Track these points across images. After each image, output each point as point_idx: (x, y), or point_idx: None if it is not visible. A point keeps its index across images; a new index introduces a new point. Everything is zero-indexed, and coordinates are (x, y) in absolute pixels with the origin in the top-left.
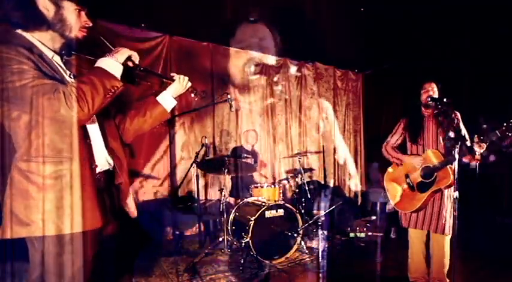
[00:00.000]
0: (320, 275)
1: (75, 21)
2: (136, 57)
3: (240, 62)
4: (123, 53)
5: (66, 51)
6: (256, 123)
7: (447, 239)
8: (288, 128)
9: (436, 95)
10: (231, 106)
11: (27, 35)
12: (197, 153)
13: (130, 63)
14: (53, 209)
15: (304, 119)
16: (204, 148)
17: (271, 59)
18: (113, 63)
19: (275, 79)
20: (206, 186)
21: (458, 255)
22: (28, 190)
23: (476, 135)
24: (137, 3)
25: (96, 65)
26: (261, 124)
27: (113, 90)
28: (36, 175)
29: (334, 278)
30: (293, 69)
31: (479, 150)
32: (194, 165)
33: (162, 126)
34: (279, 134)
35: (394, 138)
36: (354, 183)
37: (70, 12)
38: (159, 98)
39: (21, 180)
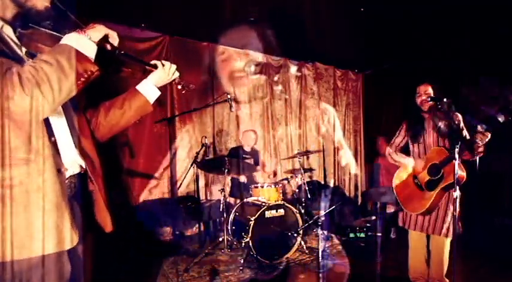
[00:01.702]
0: (320, 275)
1: None
2: (114, 39)
3: (240, 62)
4: (99, 31)
5: (21, 21)
6: (256, 123)
7: (447, 240)
8: (288, 128)
9: (428, 101)
10: (231, 106)
11: None
12: (197, 153)
13: (107, 45)
14: (6, 227)
15: (304, 119)
16: (204, 148)
17: (271, 59)
18: (85, 42)
19: (275, 79)
20: (206, 186)
21: (458, 255)
22: None
23: (479, 125)
24: (137, 3)
25: (62, 41)
26: (261, 124)
27: (85, 75)
28: None
29: (334, 278)
30: (293, 69)
31: (482, 141)
32: (194, 165)
33: (162, 126)
34: (279, 134)
35: (398, 141)
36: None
37: None
38: (139, 87)
39: None
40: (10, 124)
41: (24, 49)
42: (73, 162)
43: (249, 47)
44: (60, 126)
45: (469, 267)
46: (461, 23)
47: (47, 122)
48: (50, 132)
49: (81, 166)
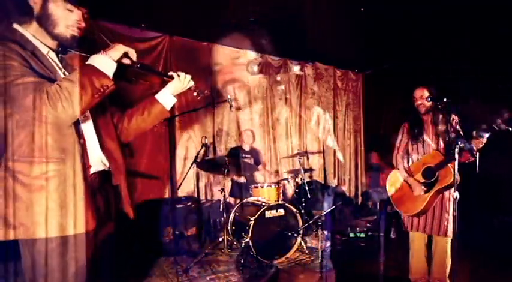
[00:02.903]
0: (320, 275)
1: (63, 18)
2: (133, 54)
3: (240, 62)
4: (118, 50)
5: (62, 48)
6: (256, 123)
7: (449, 240)
8: (288, 128)
9: (426, 101)
10: (231, 106)
11: (20, 29)
12: (197, 153)
13: (126, 60)
14: (42, 211)
15: (304, 119)
16: (204, 148)
17: (271, 59)
18: (105, 61)
19: (275, 79)
20: (206, 186)
21: (459, 254)
22: (16, 191)
23: (474, 131)
24: (137, 3)
25: (87, 62)
26: (261, 124)
27: (102, 90)
28: (25, 176)
29: (335, 278)
30: (293, 69)
31: (476, 147)
32: (194, 165)
33: (162, 126)
34: (279, 134)
35: (403, 144)
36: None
37: (57, 7)
38: (158, 96)
39: (9, 180)
40: (47, 131)
41: (63, 70)
42: (98, 161)
43: (249, 47)
44: (88, 130)
45: (470, 267)
46: (461, 23)
47: (76, 127)
48: (79, 135)
49: (104, 164)
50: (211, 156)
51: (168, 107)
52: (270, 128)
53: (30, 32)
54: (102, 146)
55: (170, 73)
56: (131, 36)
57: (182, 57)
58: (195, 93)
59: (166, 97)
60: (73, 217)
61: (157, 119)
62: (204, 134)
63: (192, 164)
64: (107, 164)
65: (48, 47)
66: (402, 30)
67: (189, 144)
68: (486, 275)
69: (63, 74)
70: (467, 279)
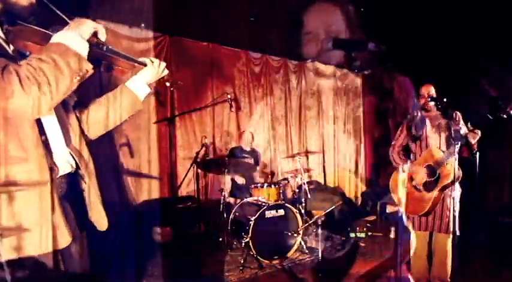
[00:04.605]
0: (320, 275)
1: None
2: (103, 34)
3: (240, 62)
4: (88, 27)
5: (7, 18)
6: (256, 124)
7: (450, 238)
8: (288, 128)
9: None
10: (231, 106)
11: None
12: (197, 153)
13: (95, 41)
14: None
15: (304, 119)
16: (204, 148)
17: (271, 59)
18: (76, 39)
19: (275, 79)
20: (206, 186)
21: (459, 254)
22: None
23: (470, 124)
24: (138, 3)
25: (54, 40)
26: (261, 124)
27: (81, 74)
28: None
29: (335, 277)
30: (293, 69)
31: (474, 139)
32: (194, 165)
33: (162, 126)
34: (279, 134)
35: (399, 141)
36: None
37: None
38: (128, 84)
39: None
40: (4, 123)
41: (11, 46)
42: (64, 162)
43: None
44: (51, 125)
45: (470, 267)
46: (461, 22)
47: (37, 121)
48: (41, 131)
49: (71, 165)
50: (211, 156)
51: (142, 97)
52: (270, 128)
53: None
54: (68, 143)
55: (142, 58)
56: (131, 36)
57: (182, 58)
58: (167, 84)
59: (140, 85)
60: (40, 232)
61: (129, 111)
62: (204, 134)
63: (192, 164)
64: (74, 165)
65: None
66: (402, 30)
67: (189, 145)
68: (487, 274)
69: (13, 52)
70: (469, 278)
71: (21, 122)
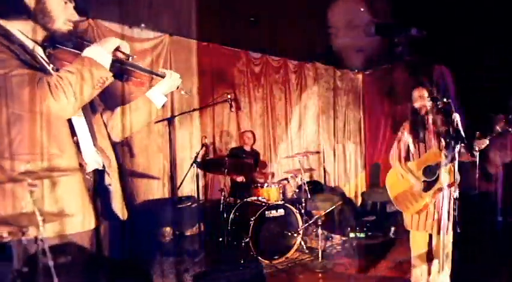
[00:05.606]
0: (320, 275)
1: (60, 13)
2: (126, 48)
3: (240, 62)
4: (112, 42)
5: (49, 43)
6: (256, 124)
7: (449, 238)
8: (288, 128)
9: (427, 101)
10: (231, 106)
11: (5, 24)
12: (197, 153)
13: (119, 54)
14: (40, 209)
15: (304, 118)
16: (204, 148)
17: (271, 59)
18: (101, 53)
19: (275, 79)
20: (206, 186)
21: (459, 254)
22: (13, 190)
23: (477, 132)
24: (137, 3)
25: (83, 54)
26: (261, 124)
27: (101, 81)
28: (20, 174)
29: (334, 277)
30: (293, 70)
31: (479, 147)
32: (194, 165)
33: (162, 126)
34: (279, 134)
35: (400, 144)
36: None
37: (54, 3)
38: (148, 94)
39: (3, 179)
40: (44, 125)
41: (51, 65)
42: (92, 159)
43: (248, 48)
44: (81, 127)
45: (470, 267)
46: (461, 22)
47: (70, 123)
48: (73, 133)
49: (98, 163)
50: (211, 156)
51: (159, 106)
52: (270, 128)
53: (16, 27)
54: (95, 144)
55: (161, 70)
56: (131, 36)
57: (182, 57)
58: (182, 92)
59: (158, 96)
60: (73, 216)
61: (148, 118)
62: (204, 134)
63: (192, 164)
64: (101, 162)
65: (34, 41)
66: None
67: (189, 144)
68: (487, 274)
69: (52, 69)
70: (468, 278)
71: (56, 123)
